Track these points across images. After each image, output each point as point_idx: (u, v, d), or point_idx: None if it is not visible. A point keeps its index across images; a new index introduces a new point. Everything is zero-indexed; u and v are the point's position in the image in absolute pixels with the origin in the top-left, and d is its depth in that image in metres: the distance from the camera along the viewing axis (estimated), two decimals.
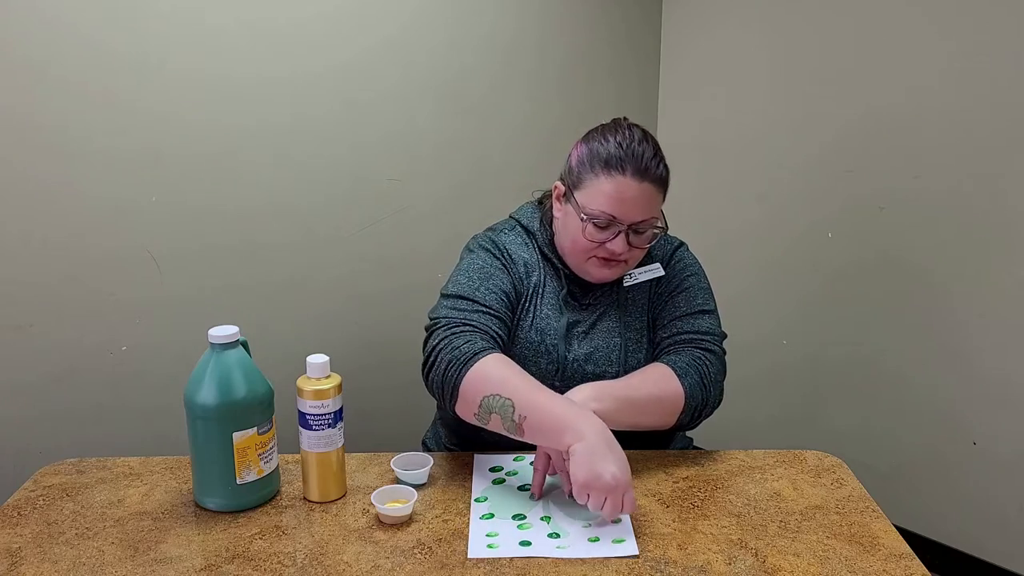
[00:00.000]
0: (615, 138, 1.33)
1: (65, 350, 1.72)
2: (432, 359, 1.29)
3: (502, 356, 1.27)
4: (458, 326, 1.30)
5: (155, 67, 1.72)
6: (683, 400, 1.31)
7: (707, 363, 1.35)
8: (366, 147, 2.06)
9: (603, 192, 1.31)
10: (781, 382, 2.52)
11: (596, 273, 1.38)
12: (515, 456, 1.36)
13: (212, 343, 1.18)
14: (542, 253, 1.44)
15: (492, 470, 1.31)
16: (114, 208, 1.72)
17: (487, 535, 1.14)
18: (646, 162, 1.31)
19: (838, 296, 2.34)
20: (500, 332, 1.33)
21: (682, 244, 1.52)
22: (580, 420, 1.16)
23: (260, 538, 1.14)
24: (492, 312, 1.34)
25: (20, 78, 1.59)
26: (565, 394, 1.25)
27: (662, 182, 1.34)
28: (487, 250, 1.43)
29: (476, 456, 1.36)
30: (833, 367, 2.39)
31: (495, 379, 1.22)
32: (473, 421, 1.25)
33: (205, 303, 1.87)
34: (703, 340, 1.38)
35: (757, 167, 2.47)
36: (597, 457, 1.12)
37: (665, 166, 1.35)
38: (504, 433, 1.22)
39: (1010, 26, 1.92)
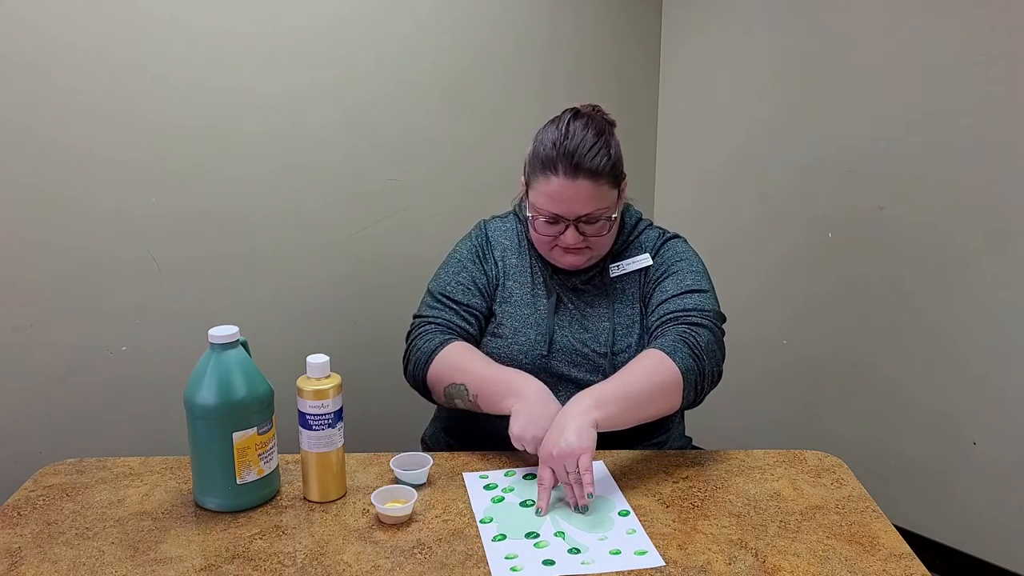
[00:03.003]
0: (551, 136, 1.38)
1: (65, 351, 1.71)
2: (405, 362, 1.47)
3: (457, 344, 1.40)
4: (424, 325, 1.45)
5: (155, 72, 1.72)
6: (680, 378, 1.30)
7: (693, 335, 1.34)
8: (366, 148, 2.05)
9: (543, 193, 1.38)
10: (781, 382, 2.52)
11: (562, 260, 1.44)
12: (505, 471, 1.32)
13: (212, 343, 1.18)
14: (529, 240, 1.50)
15: (486, 488, 1.28)
16: (114, 209, 1.72)
17: (506, 558, 1.10)
18: (578, 159, 1.34)
19: (838, 296, 2.34)
20: (463, 322, 1.46)
21: (676, 236, 1.53)
22: (519, 384, 1.31)
23: (260, 538, 1.14)
24: (457, 304, 1.46)
25: (20, 82, 1.59)
26: (565, 405, 1.26)
27: (599, 173, 1.35)
28: (470, 238, 1.55)
29: (465, 474, 1.32)
30: (833, 367, 2.38)
31: (450, 368, 1.38)
32: (448, 406, 1.41)
33: (205, 303, 1.87)
34: (689, 315, 1.38)
35: (757, 167, 2.47)
36: (532, 414, 1.26)
37: (608, 153, 1.36)
38: (473, 409, 1.37)
39: (1011, 27, 1.92)
